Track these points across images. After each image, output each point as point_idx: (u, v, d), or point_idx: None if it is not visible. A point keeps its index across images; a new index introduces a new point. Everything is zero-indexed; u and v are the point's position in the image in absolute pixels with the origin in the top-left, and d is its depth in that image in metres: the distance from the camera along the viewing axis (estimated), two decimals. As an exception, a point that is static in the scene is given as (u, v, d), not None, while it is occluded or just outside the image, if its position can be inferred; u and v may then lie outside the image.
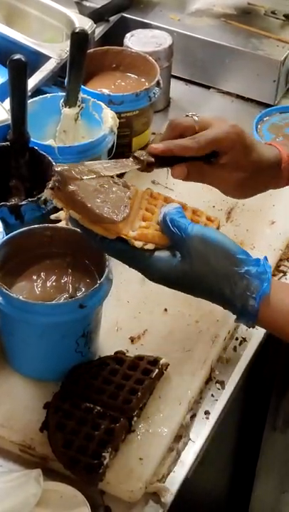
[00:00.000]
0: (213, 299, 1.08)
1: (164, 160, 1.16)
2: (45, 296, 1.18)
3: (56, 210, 1.30)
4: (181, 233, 1.05)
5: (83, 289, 1.19)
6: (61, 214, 1.27)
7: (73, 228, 1.24)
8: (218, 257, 1.04)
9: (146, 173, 1.18)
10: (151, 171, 1.17)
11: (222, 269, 1.04)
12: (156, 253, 1.06)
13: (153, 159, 1.15)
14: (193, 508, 1.41)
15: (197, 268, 1.05)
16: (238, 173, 1.19)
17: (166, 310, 1.32)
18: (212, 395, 1.24)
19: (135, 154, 1.16)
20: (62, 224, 1.27)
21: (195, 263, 1.05)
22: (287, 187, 1.51)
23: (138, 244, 1.06)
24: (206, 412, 1.22)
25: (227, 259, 1.05)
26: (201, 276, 1.05)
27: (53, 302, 1.16)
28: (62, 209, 1.28)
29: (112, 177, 1.13)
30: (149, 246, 1.07)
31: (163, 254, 1.06)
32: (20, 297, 1.14)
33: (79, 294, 1.16)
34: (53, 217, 1.28)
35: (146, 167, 1.16)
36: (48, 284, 1.19)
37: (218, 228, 1.14)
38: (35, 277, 1.20)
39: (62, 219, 1.27)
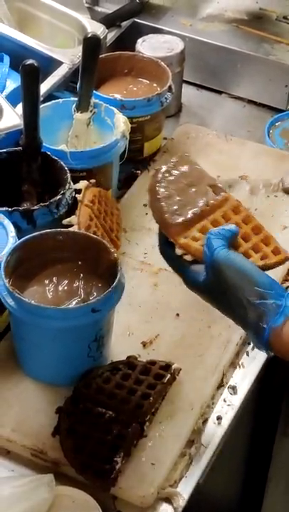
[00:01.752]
0: (234, 320, 1.09)
1: None
2: (57, 300, 1.18)
3: (68, 214, 1.31)
4: (209, 252, 1.05)
5: (95, 294, 1.19)
6: (73, 219, 1.28)
7: (84, 232, 1.25)
8: (237, 284, 1.04)
9: None
10: None
11: (238, 294, 1.05)
12: (192, 266, 1.07)
13: None
14: (205, 514, 1.40)
15: (215, 289, 1.06)
16: None
17: (178, 315, 1.32)
18: (224, 400, 1.24)
19: None
20: (74, 228, 1.27)
21: (213, 283, 1.06)
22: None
23: (178, 251, 1.06)
24: (218, 418, 1.22)
25: (245, 287, 1.05)
26: (219, 298, 1.07)
27: (65, 306, 1.16)
28: (74, 214, 1.29)
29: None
30: (188, 257, 1.06)
31: (196, 268, 1.07)
32: (33, 301, 1.14)
33: (91, 299, 1.16)
34: (65, 222, 1.29)
35: None
36: (60, 288, 1.19)
37: (280, 263, 1.11)
38: (47, 281, 1.20)
39: (74, 223, 1.27)
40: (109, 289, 1.14)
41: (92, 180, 1.37)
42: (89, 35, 1.40)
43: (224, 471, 1.41)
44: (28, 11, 1.73)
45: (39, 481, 1.09)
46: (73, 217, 1.29)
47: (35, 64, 1.28)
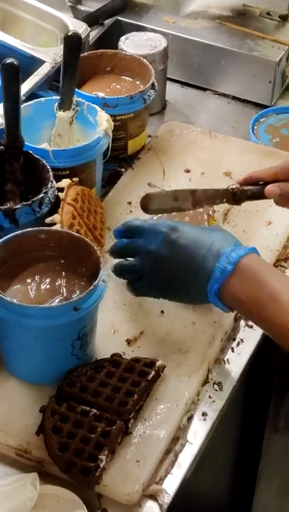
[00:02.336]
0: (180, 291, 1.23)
1: (256, 193, 1.28)
2: (40, 299, 1.17)
3: (51, 213, 1.31)
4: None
5: (78, 292, 1.18)
6: (56, 217, 1.28)
7: (67, 231, 1.25)
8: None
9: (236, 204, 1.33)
10: (239, 203, 1.31)
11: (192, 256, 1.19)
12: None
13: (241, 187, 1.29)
14: (193, 511, 1.40)
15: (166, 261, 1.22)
16: None
17: (162, 312, 1.32)
18: (209, 397, 1.23)
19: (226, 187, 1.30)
20: (57, 227, 1.27)
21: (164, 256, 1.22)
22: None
23: None
24: (204, 414, 1.21)
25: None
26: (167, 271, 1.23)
27: (47, 305, 1.16)
28: (57, 212, 1.29)
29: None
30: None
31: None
32: (15, 300, 1.13)
33: (73, 297, 1.16)
34: (47, 220, 1.29)
35: (235, 199, 1.30)
36: (43, 287, 1.19)
37: None
38: (29, 280, 1.20)
39: (57, 222, 1.27)
40: (91, 287, 1.14)
41: (75, 179, 1.37)
42: (69, 34, 1.39)
43: (211, 468, 1.41)
44: (10, 10, 1.73)
45: (23, 480, 1.08)
46: (56, 215, 1.29)
47: (16, 63, 1.28)
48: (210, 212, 1.43)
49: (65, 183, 1.34)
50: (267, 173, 1.28)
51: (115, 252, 1.30)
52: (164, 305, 1.32)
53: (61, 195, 1.32)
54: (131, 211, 1.49)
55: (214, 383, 1.25)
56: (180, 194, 1.31)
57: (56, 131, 1.48)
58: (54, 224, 1.28)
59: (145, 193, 1.32)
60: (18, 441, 1.14)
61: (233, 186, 1.30)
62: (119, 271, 1.29)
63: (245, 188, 1.30)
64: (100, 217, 1.39)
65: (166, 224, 1.23)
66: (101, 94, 1.56)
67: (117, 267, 1.30)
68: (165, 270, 1.22)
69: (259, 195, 1.29)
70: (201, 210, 1.40)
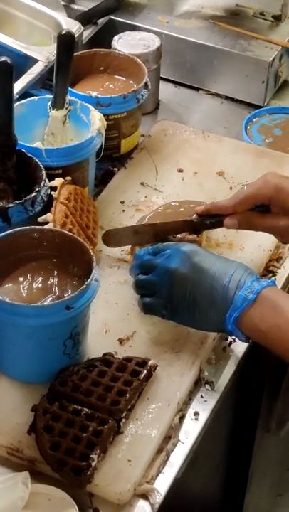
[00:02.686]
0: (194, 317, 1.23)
1: (215, 224, 1.32)
2: (32, 298, 1.17)
3: (44, 212, 1.31)
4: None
5: (70, 291, 1.18)
6: (48, 216, 1.28)
7: (59, 230, 1.25)
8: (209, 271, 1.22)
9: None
10: (199, 233, 1.35)
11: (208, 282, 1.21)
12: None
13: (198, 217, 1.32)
14: (185, 510, 1.40)
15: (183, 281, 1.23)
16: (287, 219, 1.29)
17: (155, 311, 1.32)
18: (201, 396, 1.24)
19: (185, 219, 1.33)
20: (49, 226, 1.27)
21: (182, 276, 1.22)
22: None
23: None
24: (196, 413, 1.21)
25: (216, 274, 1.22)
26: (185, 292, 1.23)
27: (39, 304, 1.15)
28: (49, 211, 1.29)
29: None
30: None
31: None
32: (7, 299, 1.13)
33: (66, 296, 1.16)
34: (40, 219, 1.28)
35: (195, 230, 1.34)
36: (35, 285, 1.19)
37: None
38: (21, 279, 1.20)
39: (50, 221, 1.27)
40: (84, 286, 1.14)
41: (68, 178, 1.37)
42: (63, 32, 1.39)
43: (203, 468, 1.41)
44: (4, 9, 1.72)
45: (14, 479, 1.08)
46: (48, 214, 1.29)
47: (9, 61, 1.27)
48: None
49: (57, 182, 1.34)
50: (225, 207, 1.30)
51: (137, 268, 1.28)
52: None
53: (54, 194, 1.32)
54: (124, 210, 1.49)
55: (206, 383, 1.25)
56: (140, 228, 1.35)
57: (49, 130, 1.48)
58: (47, 223, 1.28)
59: (105, 230, 1.38)
60: (10, 440, 1.14)
61: (193, 217, 1.33)
62: (134, 284, 1.28)
63: (205, 219, 1.33)
64: (92, 217, 1.39)
65: (187, 246, 1.24)
66: (94, 94, 1.56)
67: (135, 280, 1.28)
68: (182, 289, 1.21)
69: (218, 225, 1.33)
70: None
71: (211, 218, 1.32)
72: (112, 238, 1.37)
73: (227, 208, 1.30)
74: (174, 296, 1.22)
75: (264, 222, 1.31)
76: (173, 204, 1.44)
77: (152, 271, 1.24)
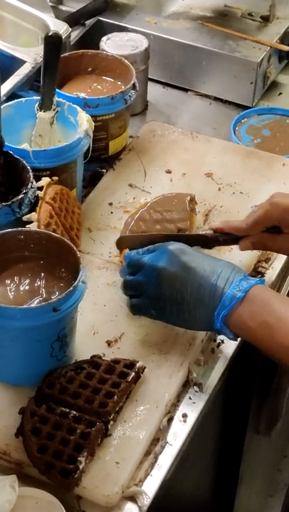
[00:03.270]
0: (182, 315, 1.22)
1: (228, 241, 1.35)
2: (19, 300, 1.17)
3: (30, 213, 1.30)
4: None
5: (57, 293, 1.18)
6: (33, 215, 1.27)
7: (46, 232, 1.24)
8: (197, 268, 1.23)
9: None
10: (210, 248, 1.35)
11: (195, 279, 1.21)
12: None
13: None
14: (174, 513, 1.40)
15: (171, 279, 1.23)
16: None
17: (143, 313, 1.31)
18: (190, 398, 1.23)
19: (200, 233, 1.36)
20: (33, 225, 1.26)
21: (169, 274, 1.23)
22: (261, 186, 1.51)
23: None
24: (184, 415, 1.21)
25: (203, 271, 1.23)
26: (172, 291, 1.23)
27: (26, 306, 1.15)
28: (34, 210, 1.28)
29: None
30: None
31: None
32: (-7, 301, 1.13)
33: (53, 298, 1.15)
34: (25, 218, 1.28)
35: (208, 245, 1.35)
36: (22, 288, 1.19)
37: None
38: (8, 281, 1.19)
39: (34, 220, 1.26)
40: (70, 288, 1.13)
41: (55, 178, 1.36)
42: (50, 33, 1.39)
43: (193, 469, 1.41)
44: (-9, 10, 1.72)
45: (2, 482, 1.08)
46: (33, 213, 1.28)
47: (-5, 63, 1.27)
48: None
49: (44, 181, 1.34)
50: (239, 228, 1.33)
51: (126, 268, 1.28)
52: (144, 306, 1.32)
53: (40, 193, 1.32)
54: (112, 212, 1.49)
55: (194, 384, 1.25)
56: (156, 238, 1.32)
57: (37, 132, 1.48)
58: (31, 222, 1.27)
59: (120, 236, 1.39)
60: (-3, 443, 1.14)
61: (207, 232, 1.35)
62: (123, 285, 1.28)
63: (219, 236, 1.34)
64: (76, 218, 1.38)
65: (174, 245, 1.24)
66: (82, 95, 1.56)
67: (123, 281, 1.29)
68: (169, 289, 1.21)
69: (230, 243, 1.36)
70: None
71: (224, 235, 1.34)
72: (126, 244, 1.36)
73: (241, 230, 1.33)
74: (161, 295, 1.21)
75: (277, 244, 1.33)
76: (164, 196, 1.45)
77: (140, 270, 1.24)
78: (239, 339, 1.31)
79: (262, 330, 1.16)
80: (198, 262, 1.21)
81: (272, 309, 1.16)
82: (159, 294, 1.22)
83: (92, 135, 1.45)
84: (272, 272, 1.42)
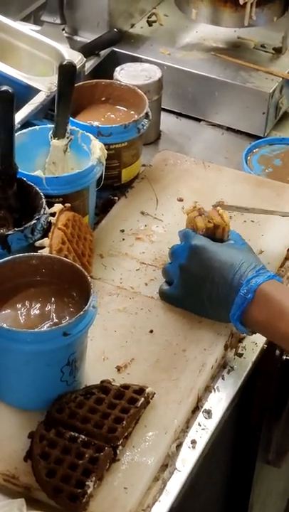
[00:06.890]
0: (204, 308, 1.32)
1: None
2: (30, 324, 1.18)
3: (42, 238, 1.31)
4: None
5: (67, 317, 1.18)
6: (45, 241, 1.28)
7: (58, 257, 1.25)
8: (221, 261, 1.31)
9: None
10: None
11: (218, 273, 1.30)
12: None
13: None
14: None
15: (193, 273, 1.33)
16: None
17: (153, 339, 1.32)
18: (199, 424, 1.23)
19: None
20: (45, 251, 1.27)
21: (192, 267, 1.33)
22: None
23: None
24: (193, 442, 1.21)
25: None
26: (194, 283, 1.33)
27: (37, 330, 1.16)
28: (47, 236, 1.30)
29: None
30: None
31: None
32: (4, 325, 1.14)
33: (63, 322, 1.16)
34: (37, 244, 1.29)
35: None
36: (32, 312, 1.19)
37: None
38: (19, 306, 1.20)
39: (46, 246, 1.28)
40: (81, 313, 1.14)
41: (67, 204, 1.38)
42: (64, 63, 1.41)
43: (201, 497, 1.40)
44: (8, 40, 1.74)
45: (10, 505, 1.08)
46: (45, 239, 1.30)
47: (10, 90, 1.29)
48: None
49: (57, 207, 1.35)
50: None
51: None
52: (155, 332, 1.32)
53: (52, 219, 1.33)
54: (124, 239, 1.50)
55: (204, 411, 1.25)
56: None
57: (51, 159, 1.49)
58: (43, 247, 1.29)
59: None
60: (6, 466, 1.14)
61: None
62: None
63: None
64: (88, 245, 1.39)
65: (196, 240, 1.32)
66: (95, 123, 1.58)
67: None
68: (190, 285, 1.31)
69: None
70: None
71: None
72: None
73: None
74: (183, 290, 1.33)
75: None
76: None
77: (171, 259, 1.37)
78: (249, 367, 1.32)
79: (269, 324, 1.24)
80: (217, 260, 1.28)
81: (280, 304, 1.23)
82: (181, 288, 1.33)
83: (104, 163, 1.47)
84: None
